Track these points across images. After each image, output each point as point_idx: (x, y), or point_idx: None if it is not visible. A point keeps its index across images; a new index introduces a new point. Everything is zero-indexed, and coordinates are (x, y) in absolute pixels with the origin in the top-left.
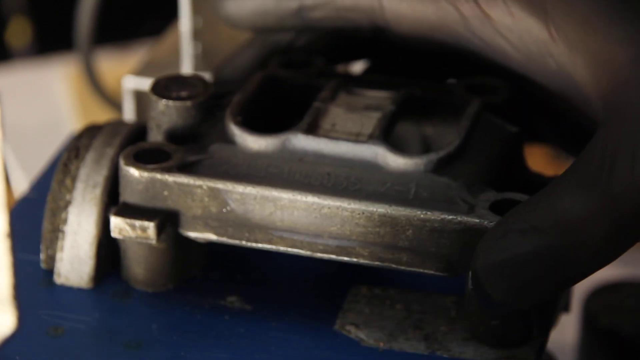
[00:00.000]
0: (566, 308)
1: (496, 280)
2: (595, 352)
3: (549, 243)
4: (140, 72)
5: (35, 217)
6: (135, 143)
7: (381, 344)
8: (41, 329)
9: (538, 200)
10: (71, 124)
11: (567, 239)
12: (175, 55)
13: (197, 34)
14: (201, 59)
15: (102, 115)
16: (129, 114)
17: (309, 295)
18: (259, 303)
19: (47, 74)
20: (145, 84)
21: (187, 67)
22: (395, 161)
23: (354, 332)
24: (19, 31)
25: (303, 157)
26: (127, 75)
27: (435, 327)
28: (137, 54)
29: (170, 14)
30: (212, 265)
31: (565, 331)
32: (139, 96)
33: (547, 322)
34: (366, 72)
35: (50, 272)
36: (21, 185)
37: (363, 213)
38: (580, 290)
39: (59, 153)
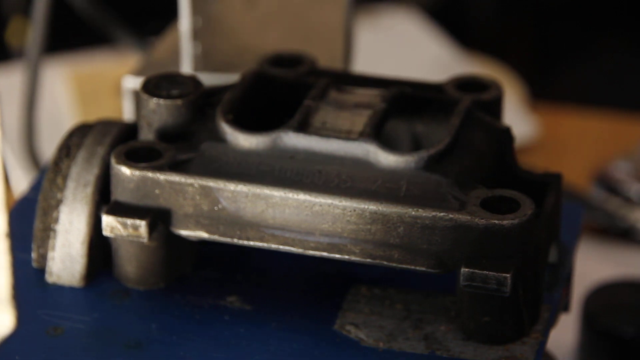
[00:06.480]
0: (566, 308)
1: None
2: (595, 352)
3: None
4: (140, 72)
5: (34, 217)
6: (126, 142)
7: (381, 344)
8: (41, 328)
9: None
10: (71, 124)
11: None
12: (175, 55)
13: (197, 34)
14: (201, 59)
15: (102, 115)
16: (128, 114)
17: (309, 295)
18: (259, 303)
19: (47, 74)
20: None
21: (186, 67)
22: (386, 159)
23: (354, 332)
24: (19, 31)
25: (294, 154)
26: (127, 75)
27: (435, 327)
28: (137, 54)
29: (170, 14)
30: (212, 265)
31: (565, 331)
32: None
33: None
34: None
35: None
36: (21, 185)
37: (354, 210)
38: (580, 290)
39: None
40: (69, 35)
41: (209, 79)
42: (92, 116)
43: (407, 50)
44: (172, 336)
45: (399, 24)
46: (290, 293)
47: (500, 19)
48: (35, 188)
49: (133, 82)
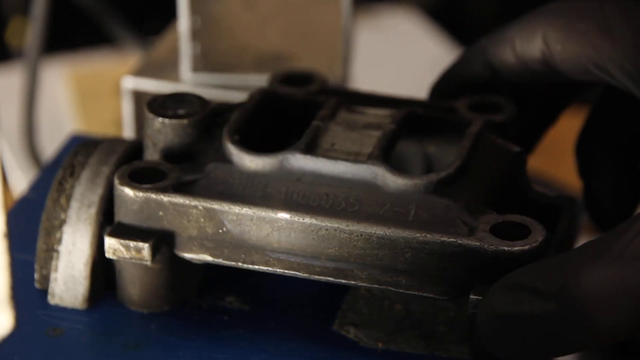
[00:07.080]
0: None
1: (496, 333)
2: (596, 352)
3: (553, 311)
4: (140, 72)
5: (33, 217)
6: (131, 161)
7: (380, 344)
8: (40, 329)
9: (553, 263)
10: (71, 124)
11: (574, 310)
12: (174, 56)
13: (196, 34)
14: (200, 59)
15: (102, 115)
16: (128, 114)
17: (307, 295)
18: (258, 303)
19: (47, 74)
20: (144, 84)
21: (186, 67)
22: (394, 182)
23: (353, 332)
24: (19, 31)
25: (301, 177)
26: (127, 75)
27: (434, 327)
28: (137, 54)
29: (169, 14)
30: (211, 266)
31: None
32: (138, 96)
33: None
34: None
35: None
36: (21, 185)
37: (361, 235)
38: None
39: (58, 153)
40: (68, 35)
41: (208, 79)
42: (92, 116)
43: (407, 50)
44: (172, 336)
45: (399, 24)
46: (289, 293)
47: (500, 19)
48: (35, 188)
49: (133, 82)
